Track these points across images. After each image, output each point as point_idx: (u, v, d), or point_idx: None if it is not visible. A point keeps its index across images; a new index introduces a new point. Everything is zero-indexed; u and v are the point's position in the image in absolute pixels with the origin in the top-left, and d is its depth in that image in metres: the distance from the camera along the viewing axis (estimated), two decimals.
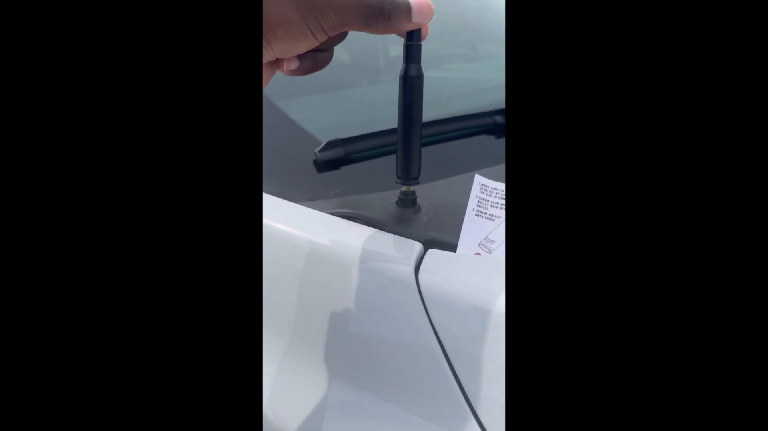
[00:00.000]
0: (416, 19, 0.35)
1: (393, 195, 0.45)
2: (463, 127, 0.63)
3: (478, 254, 0.39)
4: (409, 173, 0.43)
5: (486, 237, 0.40)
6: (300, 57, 0.36)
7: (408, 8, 0.34)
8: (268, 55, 0.33)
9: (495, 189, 0.43)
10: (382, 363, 0.40)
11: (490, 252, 0.39)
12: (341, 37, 0.37)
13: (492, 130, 0.64)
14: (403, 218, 0.43)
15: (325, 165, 0.53)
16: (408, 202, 0.44)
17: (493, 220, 0.41)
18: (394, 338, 0.39)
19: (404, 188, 0.44)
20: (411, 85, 0.40)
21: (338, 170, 0.52)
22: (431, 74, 0.81)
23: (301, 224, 0.45)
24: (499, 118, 0.63)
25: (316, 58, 0.38)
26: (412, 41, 0.40)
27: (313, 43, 0.33)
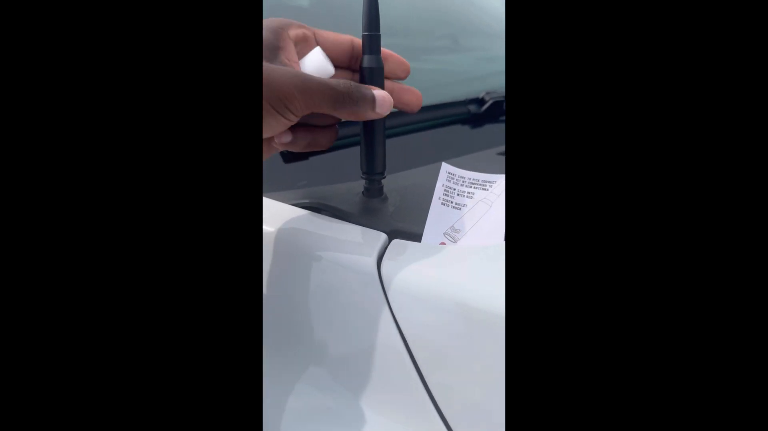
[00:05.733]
0: (379, 109, 0.37)
1: (360, 185, 0.44)
2: (437, 117, 0.61)
3: (443, 243, 0.38)
4: (373, 168, 0.42)
5: (452, 227, 0.39)
6: (293, 132, 0.39)
7: (373, 99, 0.37)
8: None
9: (462, 177, 0.42)
10: (345, 360, 0.38)
11: (455, 242, 0.38)
12: (334, 117, 0.39)
13: (466, 119, 0.62)
14: (370, 208, 0.42)
15: (291, 155, 0.51)
16: (374, 191, 0.43)
17: (459, 209, 0.40)
18: (355, 332, 0.37)
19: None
20: (371, 77, 0.39)
21: (305, 161, 0.50)
22: (411, 65, 0.80)
23: (266, 217, 0.44)
24: (473, 107, 0.62)
25: (315, 135, 0.40)
26: (371, 32, 0.38)
27: (285, 124, 0.35)
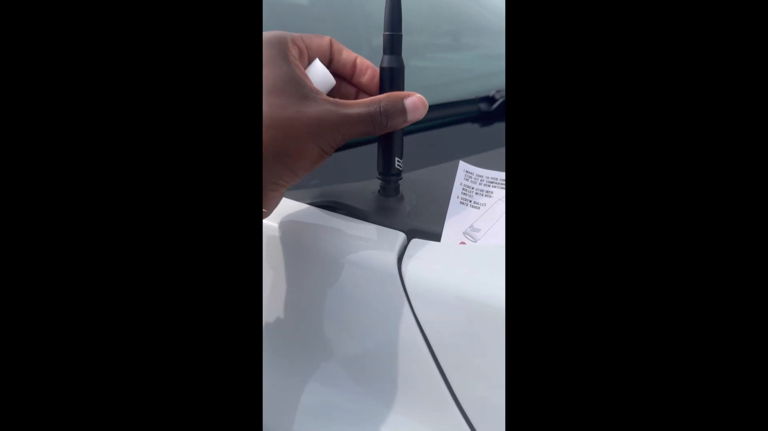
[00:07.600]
0: (411, 116, 0.37)
1: (375, 184, 0.44)
2: (447, 115, 0.61)
3: (462, 243, 0.38)
4: (390, 168, 0.41)
5: (471, 226, 0.39)
6: None
7: (403, 109, 0.37)
8: (293, 182, 0.36)
9: (480, 176, 0.42)
10: (365, 359, 0.38)
11: (475, 241, 0.38)
12: None
13: (476, 118, 0.62)
14: (386, 207, 0.42)
15: None
16: (391, 190, 0.43)
17: (479, 208, 0.40)
18: (376, 332, 0.37)
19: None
20: (391, 77, 0.39)
21: None
22: (414, 63, 0.80)
23: (281, 215, 0.43)
24: (484, 105, 0.62)
25: None
26: (393, 31, 0.38)
27: (324, 157, 0.36)
